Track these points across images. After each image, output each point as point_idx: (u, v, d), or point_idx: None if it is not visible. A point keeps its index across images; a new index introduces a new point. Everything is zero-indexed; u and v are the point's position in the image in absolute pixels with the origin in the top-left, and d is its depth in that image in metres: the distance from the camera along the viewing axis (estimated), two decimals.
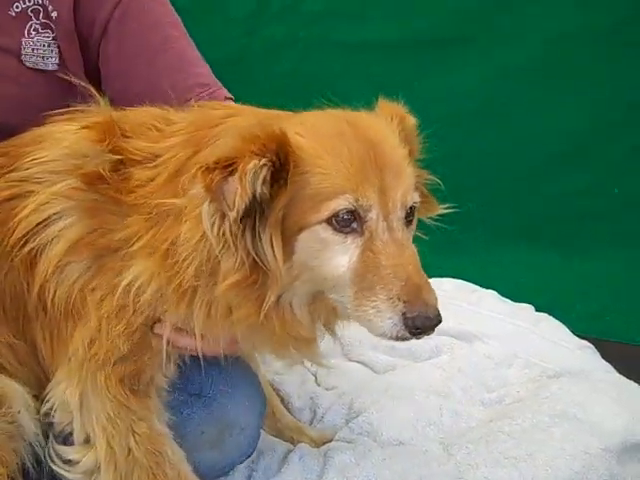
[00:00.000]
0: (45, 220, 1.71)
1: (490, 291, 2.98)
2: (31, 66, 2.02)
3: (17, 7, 2.00)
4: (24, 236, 1.71)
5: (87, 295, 1.70)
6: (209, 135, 1.64)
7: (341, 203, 1.53)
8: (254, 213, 1.51)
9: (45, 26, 2.02)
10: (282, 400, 2.45)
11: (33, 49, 2.02)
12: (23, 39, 2.02)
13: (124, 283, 1.65)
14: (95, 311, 1.69)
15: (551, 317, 2.84)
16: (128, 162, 1.70)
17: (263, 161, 1.50)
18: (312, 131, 1.56)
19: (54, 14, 2.01)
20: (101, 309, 1.70)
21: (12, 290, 1.75)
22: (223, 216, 1.53)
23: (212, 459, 2.01)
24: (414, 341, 2.55)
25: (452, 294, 2.85)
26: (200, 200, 1.56)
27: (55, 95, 1.98)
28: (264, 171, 1.50)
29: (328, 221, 1.54)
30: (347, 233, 1.55)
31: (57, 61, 2.04)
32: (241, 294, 1.57)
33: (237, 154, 1.50)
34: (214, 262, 1.57)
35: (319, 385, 2.56)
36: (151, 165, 1.68)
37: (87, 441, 1.75)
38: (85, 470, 1.75)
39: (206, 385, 1.98)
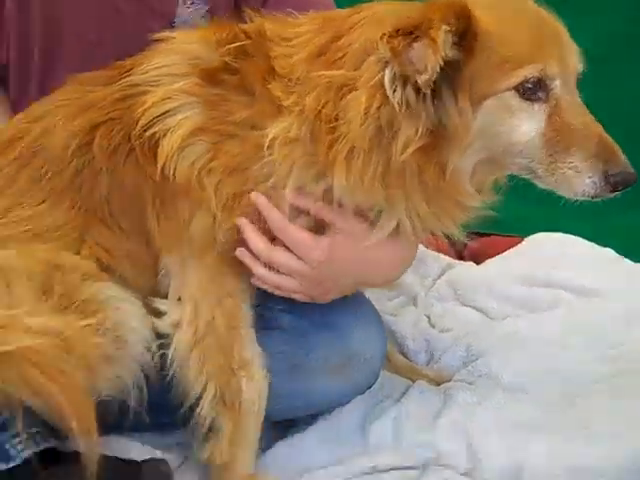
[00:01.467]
0: (166, 112, 1.75)
1: (607, 249, 2.91)
2: None
3: (193, 4, 2.04)
4: (146, 125, 1.75)
5: (204, 177, 1.75)
6: (348, 23, 1.70)
7: (531, 71, 1.60)
8: (438, 79, 1.56)
9: None
10: (396, 341, 2.43)
11: (186, 20, 2.05)
12: (178, 8, 2.05)
13: (269, 137, 1.70)
14: (214, 196, 1.75)
15: None
16: (255, 47, 1.76)
17: (450, 27, 1.53)
18: (487, 3, 1.63)
19: None
20: (220, 194, 1.75)
21: (130, 181, 1.78)
22: (405, 83, 1.58)
23: (335, 387, 2.00)
24: (531, 292, 2.62)
25: (568, 249, 2.79)
26: (378, 68, 1.60)
27: None
28: (450, 37, 1.54)
29: (516, 88, 1.60)
30: (534, 100, 1.62)
31: None
32: (422, 159, 1.63)
33: (418, 23, 1.54)
34: (388, 129, 1.62)
35: (433, 327, 2.53)
36: (285, 44, 1.74)
37: (179, 300, 1.84)
38: (171, 323, 1.82)
39: (331, 313, 1.97)
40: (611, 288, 2.60)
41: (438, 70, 1.54)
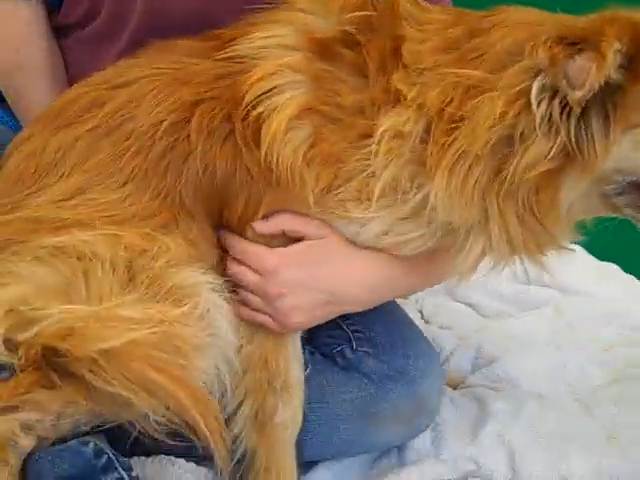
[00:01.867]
0: (272, 89, 1.55)
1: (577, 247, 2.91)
2: None
3: None
4: (250, 102, 1.54)
5: (304, 170, 1.56)
6: (485, 22, 1.56)
7: None
8: (590, 99, 1.43)
9: None
10: None
11: None
12: None
13: (382, 128, 1.53)
14: (311, 194, 1.58)
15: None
16: (382, 21, 1.58)
17: (621, 46, 1.40)
18: None
19: None
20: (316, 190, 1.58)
21: (223, 168, 1.56)
22: (553, 96, 1.45)
23: (398, 434, 1.89)
24: (523, 289, 2.60)
25: None
26: (527, 75, 1.46)
27: None
28: (619, 57, 1.41)
29: None
30: None
31: None
32: (543, 180, 1.49)
33: (587, 34, 1.41)
34: (518, 141, 1.48)
35: (427, 322, 2.48)
36: (418, 27, 1.57)
37: None
38: None
39: (407, 363, 1.84)
40: (597, 289, 2.64)
41: (596, 89, 1.42)
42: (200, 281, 1.53)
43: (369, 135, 1.55)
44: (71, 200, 1.54)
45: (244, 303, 1.63)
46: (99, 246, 1.49)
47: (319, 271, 1.62)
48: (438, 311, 2.52)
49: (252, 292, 1.62)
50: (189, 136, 1.55)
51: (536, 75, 1.46)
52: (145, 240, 1.52)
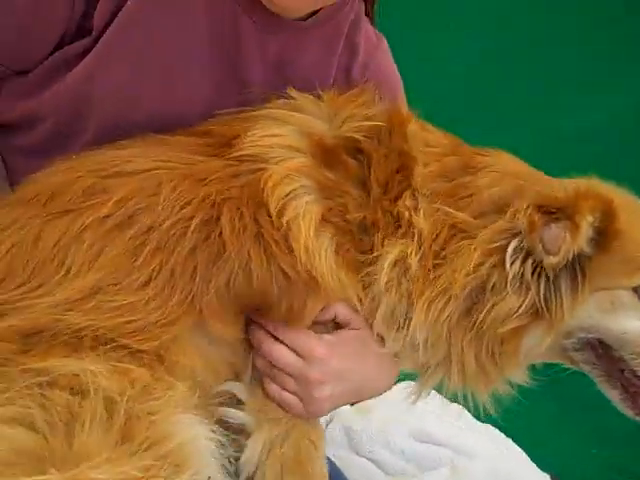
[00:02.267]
0: (289, 194, 1.51)
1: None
2: None
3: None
4: (276, 210, 1.49)
5: (340, 271, 1.54)
6: (475, 161, 1.64)
7: None
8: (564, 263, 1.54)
9: None
10: None
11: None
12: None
13: (388, 260, 1.54)
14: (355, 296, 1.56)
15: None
16: (390, 134, 1.60)
17: (594, 221, 1.53)
18: (628, 206, 1.63)
19: None
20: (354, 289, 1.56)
21: (258, 271, 1.48)
22: (526, 257, 1.54)
23: None
24: (423, 448, 2.63)
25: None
26: (504, 235, 1.55)
27: None
28: (591, 231, 1.54)
29: (635, 289, 1.60)
30: None
31: None
32: (511, 332, 1.55)
33: (563, 204, 1.52)
34: (490, 292, 1.54)
35: None
36: (424, 148, 1.62)
37: None
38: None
39: None
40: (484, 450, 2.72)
41: (570, 257, 1.53)
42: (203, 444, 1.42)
43: (374, 256, 1.56)
44: (84, 302, 1.39)
45: (272, 380, 1.56)
46: (108, 379, 1.34)
47: (358, 362, 1.61)
48: (342, 465, 2.49)
49: (288, 374, 1.55)
50: (220, 235, 1.46)
51: (514, 236, 1.55)
52: (154, 379, 1.40)
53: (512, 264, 1.54)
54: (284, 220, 1.49)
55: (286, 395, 1.56)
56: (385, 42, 1.90)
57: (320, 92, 1.67)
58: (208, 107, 1.67)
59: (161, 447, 1.33)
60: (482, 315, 1.55)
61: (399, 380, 2.84)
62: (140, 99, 1.65)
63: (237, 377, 1.57)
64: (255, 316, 1.54)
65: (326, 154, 1.57)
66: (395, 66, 1.93)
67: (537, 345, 1.60)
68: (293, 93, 1.66)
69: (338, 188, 1.56)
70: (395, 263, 1.56)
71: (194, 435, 1.40)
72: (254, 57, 1.70)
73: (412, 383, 2.83)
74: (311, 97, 1.66)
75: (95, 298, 1.39)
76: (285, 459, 1.57)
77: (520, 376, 1.70)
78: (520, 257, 1.54)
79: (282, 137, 1.57)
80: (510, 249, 1.54)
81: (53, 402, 1.32)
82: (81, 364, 1.35)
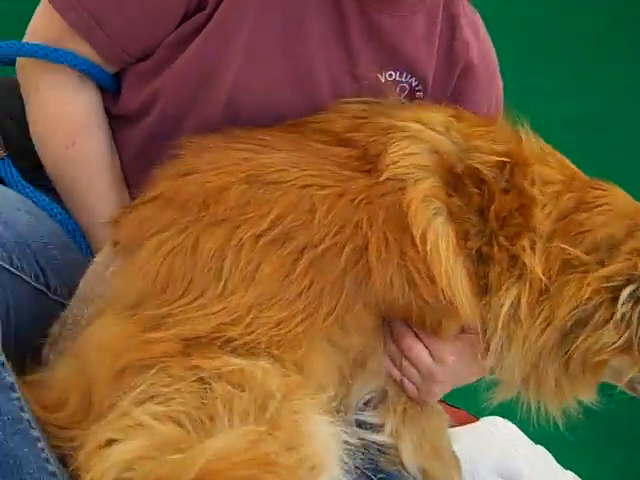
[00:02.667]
0: (429, 219, 1.57)
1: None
2: None
3: (390, 76, 1.79)
4: (419, 234, 1.55)
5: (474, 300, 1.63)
6: (591, 196, 1.68)
7: None
8: None
9: None
10: None
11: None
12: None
13: (507, 304, 1.61)
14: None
15: None
16: (513, 171, 1.63)
17: None
18: None
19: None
20: None
21: (401, 292, 1.55)
22: (636, 303, 1.59)
23: None
24: None
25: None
26: (619, 278, 1.60)
27: None
28: None
29: None
30: None
31: None
32: (598, 362, 1.63)
33: None
34: (589, 325, 1.61)
35: None
36: (541, 187, 1.65)
37: None
38: (390, 432, 1.68)
39: None
40: None
41: None
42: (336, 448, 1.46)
43: (491, 290, 1.62)
44: (242, 319, 1.43)
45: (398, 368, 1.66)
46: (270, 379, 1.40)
47: (470, 364, 1.72)
48: None
49: (417, 369, 1.65)
50: (367, 262, 1.51)
51: (630, 281, 1.60)
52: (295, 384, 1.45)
53: (623, 305, 1.60)
54: (427, 247, 1.54)
55: (407, 383, 1.67)
56: (479, 17, 1.91)
57: (441, 105, 1.73)
58: (322, 90, 1.71)
59: (301, 448, 1.38)
60: (575, 346, 1.62)
61: (485, 414, 2.95)
62: (251, 83, 1.67)
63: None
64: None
65: (452, 178, 1.61)
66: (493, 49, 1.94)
67: (618, 376, 1.70)
68: (419, 101, 1.76)
69: (461, 214, 1.60)
70: (510, 305, 1.62)
71: (330, 438, 1.45)
72: (363, 33, 1.73)
73: (498, 419, 2.94)
74: (434, 107, 1.72)
75: (252, 314, 1.43)
76: (426, 453, 1.72)
77: (590, 396, 1.76)
78: (632, 301, 1.61)
79: (417, 156, 1.61)
80: (626, 293, 1.60)
81: (213, 394, 1.37)
82: (243, 362, 1.41)
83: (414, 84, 1.81)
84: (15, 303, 1.49)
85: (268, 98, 1.67)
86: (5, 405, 1.25)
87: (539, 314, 1.62)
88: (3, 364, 1.30)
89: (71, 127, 1.69)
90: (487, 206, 1.61)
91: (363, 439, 1.62)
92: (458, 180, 1.60)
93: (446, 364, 1.67)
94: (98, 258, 1.57)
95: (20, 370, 1.41)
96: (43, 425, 1.36)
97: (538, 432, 2.92)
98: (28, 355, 1.47)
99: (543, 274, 1.61)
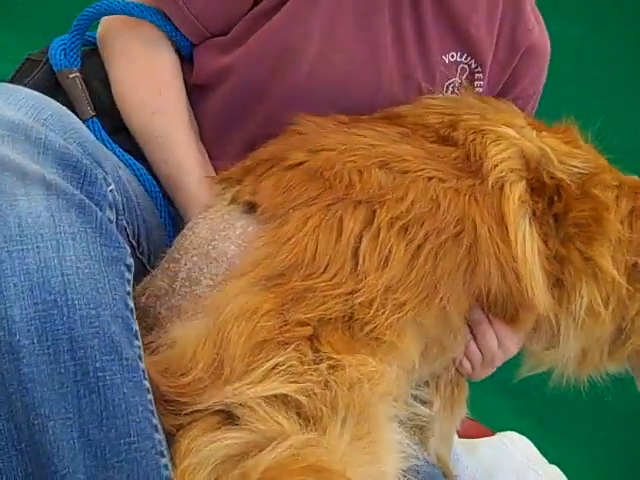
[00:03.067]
0: (520, 221, 1.62)
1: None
2: None
3: (452, 57, 1.83)
4: (513, 238, 1.60)
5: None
6: None
7: None
8: None
9: (460, 87, 1.86)
10: None
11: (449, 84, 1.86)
12: (442, 93, 1.85)
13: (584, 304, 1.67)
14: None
15: None
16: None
17: None
18: None
19: (478, 83, 1.86)
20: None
21: (495, 289, 1.60)
22: None
23: None
24: None
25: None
26: None
27: None
28: None
29: None
30: None
31: None
32: None
33: None
34: None
35: None
36: (609, 193, 1.69)
37: None
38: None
39: None
40: None
41: None
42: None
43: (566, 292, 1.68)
44: (377, 300, 1.44)
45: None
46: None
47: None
48: None
49: (481, 352, 1.71)
50: (476, 253, 1.55)
51: None
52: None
53: None
54: (517, 247, 1.59)
55: (465, 362, 1.73)
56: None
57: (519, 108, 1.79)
58: (390, 66, 1.74)
59: (366, 437, 1.37)
60: (630, 342, 1.72)
61: (504, 429, 3.00)
62: (330, 57, 1.69)
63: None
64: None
65: (537, 183, 1.65)
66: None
67: None
68: (500, 100, 1.78)
69: (543, 217, 1.65)
70: (582, 303, 1.68)
71: (391, 428, 1.45)
72: (435, 12, 1.76)
73: (514, 434, 2.99)
74: (514, 110, 1.75)
75: (384, 297, 1.46)
76: (445, 437, 1.82)
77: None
78: None
79: (511, 160, 1.64)
80: None
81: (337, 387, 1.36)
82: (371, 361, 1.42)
83: (473, 66, 1.84)
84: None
85: (344, 71, 1.70)
86: (128, 351, 1.24)
87: (609, 312, 1.68)
88: (132, 311, 1.28)
89: (159, 78, 1.73)
90: (564, 212, 1.66)
91: (415, 413, 1.67)
92: (541, 185, 1.65)
93: (508, 352, 1.74)
94: (211, 214, 1.53)
95: None
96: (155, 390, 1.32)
97: (552, 451, 3.03)
98: None
99: (617, 275, 1.66)
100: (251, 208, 1.51)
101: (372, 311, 1.42)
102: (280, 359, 1.33)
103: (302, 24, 1.67)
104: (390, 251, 1.46)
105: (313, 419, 1.30)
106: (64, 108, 1.40)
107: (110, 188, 1.31)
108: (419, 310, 1.48)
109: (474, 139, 1.63)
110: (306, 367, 1.34)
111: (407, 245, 1.48)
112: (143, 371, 1.27)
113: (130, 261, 1.28)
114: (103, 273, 1.23)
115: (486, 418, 3.11)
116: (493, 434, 3.00)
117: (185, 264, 1.48)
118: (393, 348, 1.46)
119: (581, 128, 1.77)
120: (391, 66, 1.73)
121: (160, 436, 1.27)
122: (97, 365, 1.19)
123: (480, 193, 1.59)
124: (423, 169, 1.55)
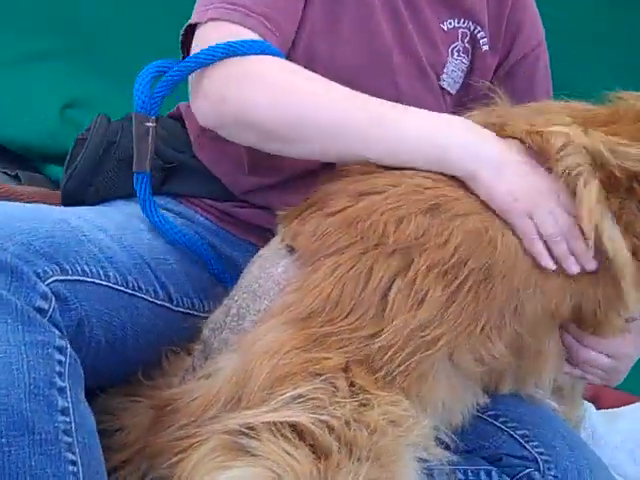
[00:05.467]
0: (601, 222, 1.53)
1: None
2: (444, 86, 1.84)
3: (450, 23, 1.83)
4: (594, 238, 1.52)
5: None
6: None
7: None
8: None
9: (465, 51, 1.86)
10: None
11: (452, 70, 1.85)
12: (448, 58, 1.84)
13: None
14: None
15: None
16: None
17: None
18: None
19: (482, 41, 1.85)
20: None
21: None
22: None
23: None
24: None
25: None
26: None
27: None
28: None
29: None
30: None
31: (459, 87, 1.86)
32: None
33: None
34: None
35: None
36: None
37: None
38: None
39: None
40: None
41: None
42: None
43: None
44: (404, 342, 1.41)
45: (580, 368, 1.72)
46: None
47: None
48: None
49: (602, 370, 1.73)
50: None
51: None
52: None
53: None
54: (610, 252, 1.53)
55: (592, 379, 1.75)
56: None
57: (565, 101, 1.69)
58: (390, 46, 1.75)
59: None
60: None
61: None
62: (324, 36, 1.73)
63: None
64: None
65: (607, 178, 1.55)
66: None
67: None
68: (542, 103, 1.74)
69: (623, 210, 1.56)
70: None
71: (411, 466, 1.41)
72: None
73: None
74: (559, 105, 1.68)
75: (412, 339, 1.42)
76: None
77: None
78: None
79: (578, 155, 1.54)
80: None
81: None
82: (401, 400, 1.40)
83: (472, 28, 1.84)
84: (131, 320, 1.56)
85: (350, 64, 1.72)
86: (44, 426, 1.32)
87: None
88: (61, 389, 1.36)
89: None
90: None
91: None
92: (613, 179, 1.55)
93: (624, 356, 1.74)
94: (265, 252, 1.58)
95: (148, 376, 1.54)
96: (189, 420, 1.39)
97: None
98: (153, 364, 1.56)
99: None
100: (292, 250, 1.54)
101: (393, 353, 1.41)
102: (304, 390, 1.35)
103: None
104: (425, 294, 1.43)
105: (325, 454, 1.31)
106: (25, 206, 1.56)
107: (49, 282, 1.40)
108: (457, 343, 1.45)
109: (548, 140, 1.55)
110: (334, 399, 1.35)
111: (447, 285, 1.44)
112: (66, 443, 1.34)
113: (61, 343, 1.37)
114: (22, 355, 1.33)
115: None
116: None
117: (236, 300, 1.54)
118: (416, 390, 1.43)
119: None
120: (389, 46, 1.76)
121: None
122: (2, 440, 1.29)
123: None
124: (474, 220, 1.49)
